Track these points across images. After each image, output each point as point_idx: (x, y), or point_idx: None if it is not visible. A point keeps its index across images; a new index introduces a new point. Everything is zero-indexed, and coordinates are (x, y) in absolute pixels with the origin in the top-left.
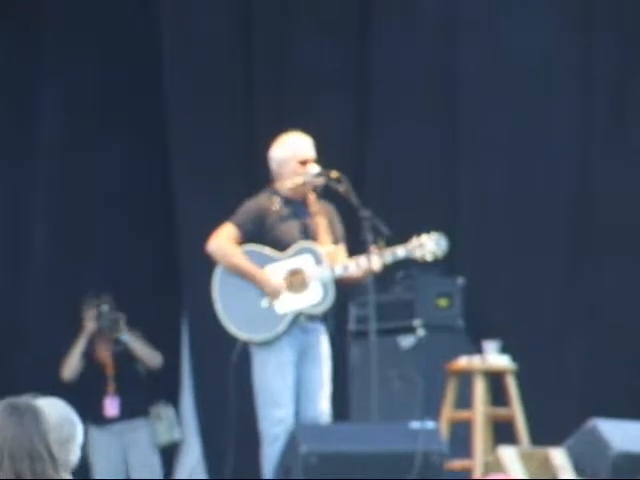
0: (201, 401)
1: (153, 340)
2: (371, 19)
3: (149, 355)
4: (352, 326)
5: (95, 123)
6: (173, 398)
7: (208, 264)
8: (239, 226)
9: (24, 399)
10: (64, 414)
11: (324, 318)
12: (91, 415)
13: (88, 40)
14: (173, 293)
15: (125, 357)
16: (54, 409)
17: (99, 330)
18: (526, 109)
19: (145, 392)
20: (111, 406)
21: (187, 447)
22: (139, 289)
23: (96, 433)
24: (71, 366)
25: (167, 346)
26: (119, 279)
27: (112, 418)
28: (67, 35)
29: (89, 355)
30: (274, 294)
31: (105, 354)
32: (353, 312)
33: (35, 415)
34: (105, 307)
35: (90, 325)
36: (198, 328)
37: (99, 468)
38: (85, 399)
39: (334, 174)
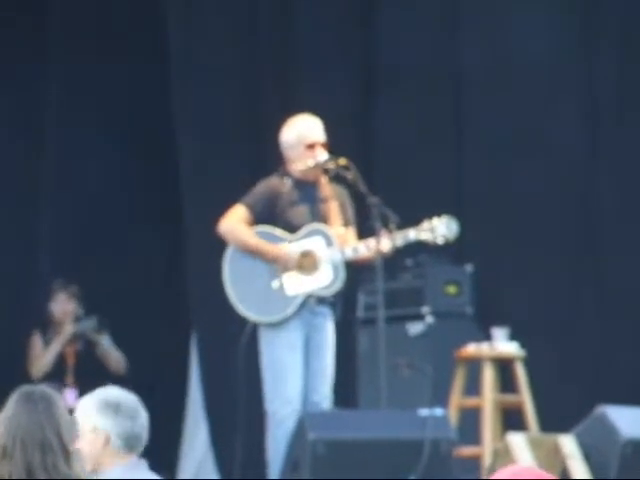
0: (208, 391)
1: (162, 338)
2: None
3: (117, 360)
4: (361, 313)
5: (96, 123)
6: (181, 390)
7: (214, 255)
8: (250, 207)
9: (40, 388)
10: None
11: (332, 303)
12: None
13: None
14: (180, 293)
15: (85, 349)
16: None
17: (80, 334)
18: (531, 97)
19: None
20: (70, 397)
21: (194, 440)
22: (144, 292)
23: None
24: (43, 367)
25: (175, 342)
26: (127, 280)
27: (71, 409)
28: (68, 34)
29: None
30: (286, 264)
31: (68, 347)
32: (362, 299)
33: (48, 404)
34: (81, 310)
35: (69, 328)
36: (205, 323)
37: None
38: None
39: (342, 161)
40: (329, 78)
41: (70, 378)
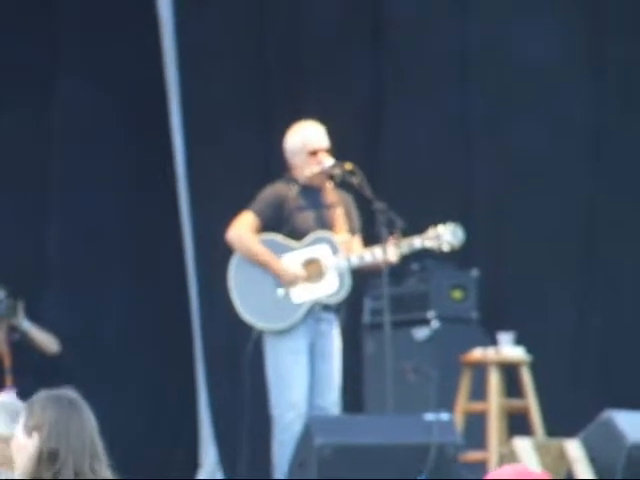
0: (214, 397)
1: (166, 340)
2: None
3: (47, 341)
4: (367, 318)
5: (100, 129)
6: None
7: (221, 265)
8: (258, 214)
9: (71, 393)
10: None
11: (337, 309)
12: None
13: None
14: (185, 299)
15: (22, 347)
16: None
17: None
18: (539, 100)
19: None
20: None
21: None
22: (150, 297)
23: None
24: None
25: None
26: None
27: None
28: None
29: None
30: (291, 283)
31: (1, 344)
32: (368, 304)
33: (90, 411)
34: (1, 293)
35: None
36: (211, 330)
37: None
38: None
39: (348, 166)
40: (338, 84)
41: (8, 378)
